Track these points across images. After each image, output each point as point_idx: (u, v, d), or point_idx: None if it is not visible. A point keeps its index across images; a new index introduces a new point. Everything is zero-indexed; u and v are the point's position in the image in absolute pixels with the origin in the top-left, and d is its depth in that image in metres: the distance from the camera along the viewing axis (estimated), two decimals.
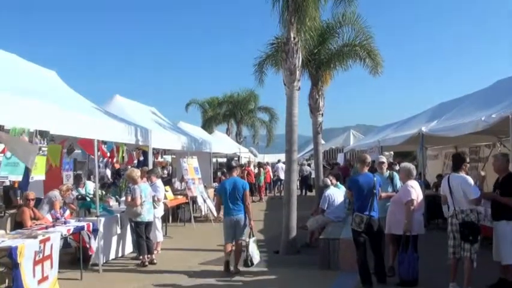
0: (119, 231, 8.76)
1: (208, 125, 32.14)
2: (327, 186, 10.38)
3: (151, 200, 8.56)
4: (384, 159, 8.38)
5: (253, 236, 8.03)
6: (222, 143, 22.59)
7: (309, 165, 26.60)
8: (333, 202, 10.03)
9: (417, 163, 13.94)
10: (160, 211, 9.49)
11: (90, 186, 9.81)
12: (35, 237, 6.01)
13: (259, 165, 22.55)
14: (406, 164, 7.54)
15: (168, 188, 12.62)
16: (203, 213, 14.66)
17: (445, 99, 14.28)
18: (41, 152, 6.42)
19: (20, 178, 6.64)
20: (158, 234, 9.46)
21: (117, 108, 12.29)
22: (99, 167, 17.82)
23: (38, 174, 6.46)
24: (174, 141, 12.95)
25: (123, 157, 9.86)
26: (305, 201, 20.07)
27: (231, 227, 7.92)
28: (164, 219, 11.69)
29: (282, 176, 22.29)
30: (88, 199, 8.31)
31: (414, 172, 7.45)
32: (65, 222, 7.43)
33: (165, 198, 11.90)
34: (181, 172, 14.50)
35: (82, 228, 7.33)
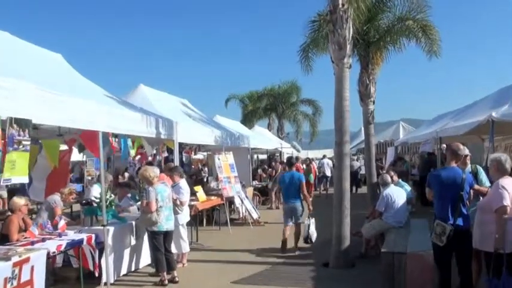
0: (133, 242, 7.26)
1: (248, 120, 30.63)
2: (386, 184, 8.57)
3: (171, 204, 7.02)
4: (467, 151, 6.40)
5: (312, 217, 9.15)
6: (262, 138, 20.95)
7: (357, 159, 24.64)
8: (393, 204, 8.23)
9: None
10: (184, 217, 7.94)
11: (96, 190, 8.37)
12: (8, 258, 4.53)
13: (308, 161, 20.64)
14: (497, 155, 5.54)
15: (198, 188, 11.09)
16: (241, 215, 13.09)
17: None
18: (21, 147, 4.95)
19: (24, 180, 5.24)
20: (183, 244, 7.93)
21: (140, 99, 10.89)
22: (130, 165, 16.61)
23: (16, 176, 4.97)
24: (206, 135, 11.37)
25: (136, 152, 8.35)
26: (356, 200, 18.30)
27: (288, 212, 9.23)
28: (195, 223, 10.23)
29: (328, 172, 20.59)
30: (95, 204, 6.83)
31: (508, 166, 5.46)
32: (59, 235, 5.95)
33: (196, 200, 10.42)
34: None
35: (80, 242, 5.86)
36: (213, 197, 11.75)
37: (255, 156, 25.56)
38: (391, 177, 8.81)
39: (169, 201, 6.94)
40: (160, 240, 6.76)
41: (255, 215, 12.96)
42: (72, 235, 6.03)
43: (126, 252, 7.20)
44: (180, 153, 13.57)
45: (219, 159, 12.28)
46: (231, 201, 12.82)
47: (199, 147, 15.89)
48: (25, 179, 5.23)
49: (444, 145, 12.27)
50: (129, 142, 7.87)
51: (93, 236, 6.15)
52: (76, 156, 12.03)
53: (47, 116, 5.42)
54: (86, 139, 6.66)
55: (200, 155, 21.79)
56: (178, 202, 7.45)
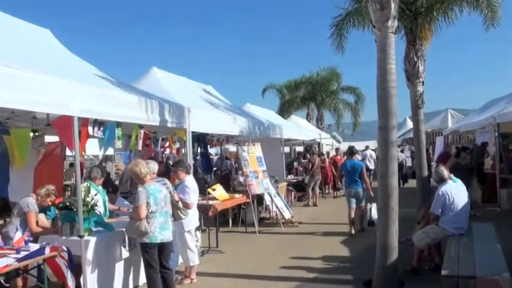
0: (125, 254, 5.86)
1: (285, 110, 29.00)
2: (442, 180, 6.84)
3: (168, 208, 5.56)
4: None
5: (373, 202, 9.63)
6: (298, 128, 19.30)
7: (402, 151, 22.56)
8: (451, 205, 6.53)
9: None
10: (192, 222, 6.52)
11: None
12: None
13: (351, 151, 18.77)
14: None
15: (217, 185, 9.64)
16: (272, 214, 11.57)
17: None
18: None
19: None
20: (191, 256, 6.53)
21: (152, 84, 9.55)
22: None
23: None
24: (227, 123, 9.86)
25: (135, 143, 6.91)
26: (403, 196, 16.67)
27: (351, 196, 9.97)
28: (216, 225, 8.83)
29: (371, 165, 18.87)
30: (75, 208, 5.46)
31: None
32: (17, 251, 4.59)
33: (213, 199, 9.00)
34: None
35: (36, 254, 4.49)
36: (237, 195, 10.27)
37: (288, 148, 23.97)
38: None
39: (166, 205, 5.48)
40: (154, 255, 5.31)
41: (287, 215, 11.41)
42: (35, 249, 4.66)
43: (118, 268, 5.81)
44: (202, 145, 12.19)
45: (244, 151, 10.79)
46: (260, 198, 11.35)
47: (227, 139, 14.44)
48: None
49: None
50: (119, 130, 6.41)
51: (64, 249, 4.76)
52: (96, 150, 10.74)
53: (8, 98, 4.12)
54: (59, 127, 5.28)
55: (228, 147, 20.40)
56: (181, 204, 5.98)
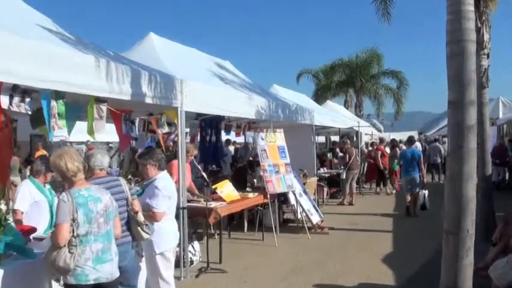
0: None
1: (320, 96, 26.66)
2: None
3: (110, 227, 3.47)
4: None
5: (425, 189, 10.89)
6: (332, 114, 16.99)
7: (444, 143, 19.73)
8: None
9: None
10: (166, 240, 4.48)
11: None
12: None
13: (394, 143, 16.28)
14: None
15: (221, 184, 7.59)
16: (298, 216, 9.43)
17: None
18: None
19: None
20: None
21: (144, 53, 7.58)
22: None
23: None
24: (239, 103, 7.76)
25: (92, 125, 4.86)
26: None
27: (408, 183, 10.83)
28: (219, 232, 6.91)
29: None
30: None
31: None
32: None
33: (219, 199, 7.02)
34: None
35: None
36: (251, 194, 8.19)
37: (323, 137, 21.72)
38: None
39: (108, 223, 3.44)
40: None
41: (315, 218, 9.29)
42: None
43: None
44: (214, 132, 10.13)
45: (262, 139, 8.70)
46: (285, 197, 9.29)
47: (249, 125, 12.29)
48: None
49: None
50: (60, 104, 4.37)
51: None
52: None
53: None
54: None
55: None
56: (141, 218, 3.98)
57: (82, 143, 16.83)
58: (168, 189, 4.39)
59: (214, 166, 10.75)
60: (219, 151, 10.28)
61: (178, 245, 5.69)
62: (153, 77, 5.49)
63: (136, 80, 5.16)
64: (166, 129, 6.37)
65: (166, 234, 4.44)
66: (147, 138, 11.54)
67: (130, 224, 3.97)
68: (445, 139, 20.25)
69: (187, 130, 11.37)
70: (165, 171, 4.56)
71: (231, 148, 17.30)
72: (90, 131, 4.81)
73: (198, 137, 10.14)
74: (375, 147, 15.79)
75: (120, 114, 5.55)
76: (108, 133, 6.70)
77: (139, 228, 3.96)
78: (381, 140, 17.40)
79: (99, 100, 4.86)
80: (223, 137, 12.38)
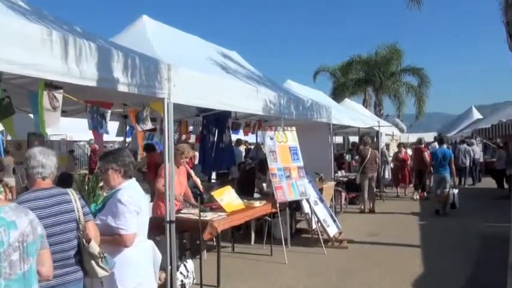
0: None
1: (338, 94, 25.36)
2: None
3: (28, 266, 2.34)
4: None
5: (456, 188, 11.09)
6: (351, 112, 15.71)
7: (469, 144, 18.11)
8: None
9: None
10: (133, 272, 3.33)
11: None
12: None
13: (416, 145, 14.92)
14: None
15: (219, 192, 6.42)
16: (313, 227, 8.23)
17: None
18: None
19: None
20: None
21: (134, 37, 6.49)
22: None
23: None
24: (243, 96, 6.58)
25: (42, 118, 3.70)
26: (486, 200, 13.03)
27: (438, 182, 11.01)
28: (217, 249, 5.79)
29: None
30: None
31: None
32: None
33: (218, 209, 5.90)
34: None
35: None
36: (257, 202, 7.02)
37: (341, 138, 20.45)
38: None
39: (25, 261, 2.28)
40: None
41: (332, 230, 8.11)
42: None
43: None
44: (219, 130, 9.01)
45: (271, 138, 7.54)
46: (296, 204, 8.15)
47: (259, 123, 11.08)
48: None
49: None
50: None
51: None
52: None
53: None
54: None
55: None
56: (96, 249, 2.85)
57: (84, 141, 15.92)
58: (134, 203, 3.24)
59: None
60: (226, 153, 9.12)
61: (164, 269, 4.60)
62: (130, 59, 4.36)
63: (105, 61, 4.04)
64: (149, 126, 5.22)
65: (132, 265, 3.29)
66: (151, 138, 10.45)
67: (82, 255, 2.85)
68: (473, 140, 18.91)
69: (190, 129, 10.30)
70: (133, 179, 3.42)
71: (242, 148, 16.11)
72: (41, 126, 3.69)
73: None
74: (414, 147, 15.11)
75: (86, 105, 4.42)
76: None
77: (93, 262, 2.83)
78: (399, 145, 16.03)
79: (52, 85, 3.73)
80: (233, 136, 11.30)
